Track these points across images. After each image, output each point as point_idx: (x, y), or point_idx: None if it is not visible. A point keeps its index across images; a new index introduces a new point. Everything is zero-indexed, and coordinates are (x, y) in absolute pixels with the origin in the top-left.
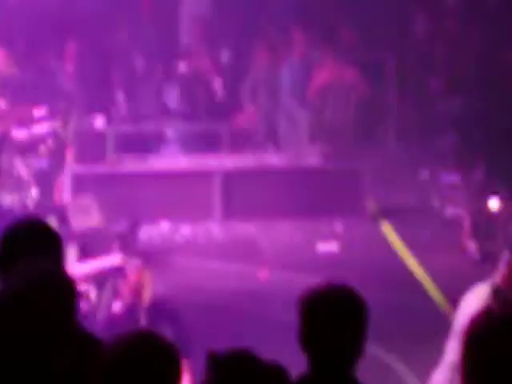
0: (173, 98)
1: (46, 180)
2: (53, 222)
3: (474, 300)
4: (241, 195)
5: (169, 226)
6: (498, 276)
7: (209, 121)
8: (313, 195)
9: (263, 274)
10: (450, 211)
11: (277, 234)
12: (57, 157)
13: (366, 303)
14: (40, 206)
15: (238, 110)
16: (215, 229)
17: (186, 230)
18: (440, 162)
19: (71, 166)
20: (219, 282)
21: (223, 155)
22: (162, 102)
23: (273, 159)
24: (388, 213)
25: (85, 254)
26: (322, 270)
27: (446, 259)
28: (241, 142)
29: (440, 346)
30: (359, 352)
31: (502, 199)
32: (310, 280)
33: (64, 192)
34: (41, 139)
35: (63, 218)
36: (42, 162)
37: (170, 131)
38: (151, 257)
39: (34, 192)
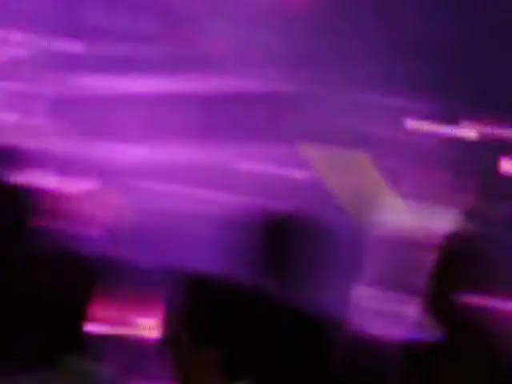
0: None
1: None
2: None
3: None
4: (219, 120)
5: (142, 148)
6: None
7: None
8: (257, 119)
9: (234, 200)
10: (422, 138)
11: (250, 160)
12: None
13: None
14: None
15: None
16: (180, 151)
17: (146, 151)
18: (416, 90)
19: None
20: (181, 205)
21: (206, 79)
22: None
23: (247, 84)
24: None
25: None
26: (291, 196)
27: (414, 188)
28: (224, 67)
29: None
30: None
31: (477, 126)
32: (276, 204)
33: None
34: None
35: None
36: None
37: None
38: (113, 178)
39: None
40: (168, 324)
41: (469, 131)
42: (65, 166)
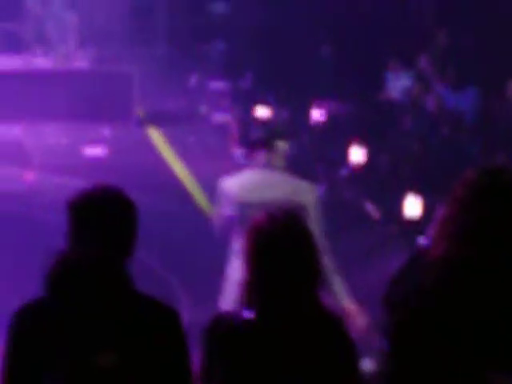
0: None
1: None
2: None
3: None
4: (7, 97)
5: None
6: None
7: None
8: (80, 99)
9: (29, 177)
10: (218, 118)
11: (44, 137)
12: None
13: (135, 204)
14: None
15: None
16: None
17: None
18: (209, 68)
19: None
20: None
21: None
22: None
23: (41, 62)
24: (156, 118)
25: None
26: (89, 174)
27: (212, 165)
28: (9, 43)
29: (203, 252)
30: (129, 251)
31: (271, 107)
32: (77, 183)
33: None
34: None
35: None
36: None
37: None
38: None
39: None
40: None
41: (261, 111)
42: None
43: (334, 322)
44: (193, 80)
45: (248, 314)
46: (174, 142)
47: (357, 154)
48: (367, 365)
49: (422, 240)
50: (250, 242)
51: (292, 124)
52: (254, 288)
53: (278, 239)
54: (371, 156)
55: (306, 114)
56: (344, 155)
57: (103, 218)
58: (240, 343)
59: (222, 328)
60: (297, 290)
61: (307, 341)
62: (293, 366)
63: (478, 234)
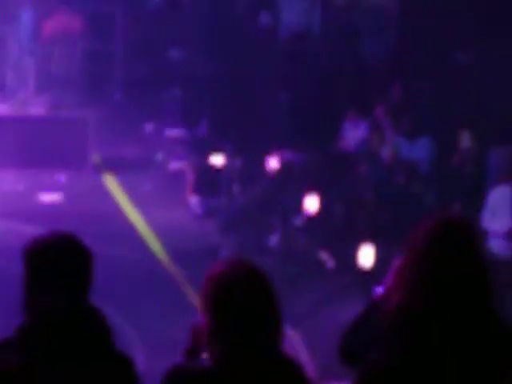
0: None
1: None
2: None
3: None
4: None
5: None
6: None
7: None
8: (37, 145)
9: None
10: (174, 165)
11: (0, 183)
12: None
13: (90, 251)
14: None
15: None
16: None
17: None
18: (165, 116)
19: None
20: None
21: None
22: None
23: None
24: (112, 165)
25: None
26: (45, 220)
27: (168, 213)
28: None
29: (159, 296)
30: (84, 298)
31: (227, 155)
32: (32, 229)
33: None
34: None
35: None
36: None
37: None
38: None
39: None
40: None
41: (216, 159)
42: None
43: (292, 368)
44: (149, 127)
45: (205, 362)
46: (129, 189)
47: (311, 203)
48: None
49: (378, 290)
50: (208, 290)
51: (247, 172)
52: (211, 335)
53: (235, 288)
54: (326, 205)
55: (261, 163)
56: (298, 204)
57: (58, 266)
58: None
59: (180, 377)
60: (253, 337)
61: None
62: None
63: (432, 281)
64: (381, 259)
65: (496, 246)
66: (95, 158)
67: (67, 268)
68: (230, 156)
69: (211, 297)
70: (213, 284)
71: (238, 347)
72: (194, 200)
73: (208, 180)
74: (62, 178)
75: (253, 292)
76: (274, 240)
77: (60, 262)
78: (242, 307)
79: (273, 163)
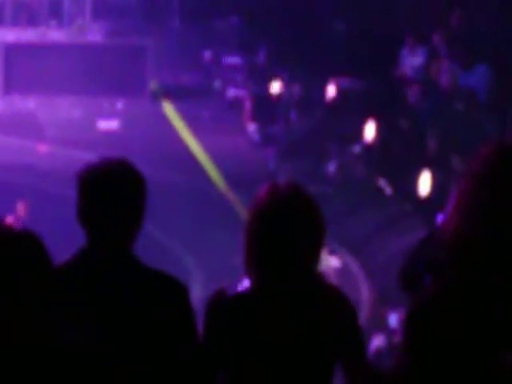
0: None
1: None
2: None
3: None
4: (22, 70)
5: None
6: None
7: None
8: (94, 72)
9: (42, 149)
10: (232, 93)
11: (57, 110)
12: None
13: (144, 178)
14: None
15: None
16: None
17: None
18: (222, 43)
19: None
20: None
21: (5, 28)
22: None
23: (55, 34)
24: (170, 92)
25: None
26: (102, 147)
27: (226, 140)
28: (24, 16)
29: (219, 226)
30: (138, 226)
31: (284, 83)
32: (90, 156)
33: None
34: None
35: None
36: None
37: None
38: None
39: None
40: None
41: (274, 86)
42: None
43: (332, 295)
44: (207, 54)
45: (247, 285)
46: (187, 116)
47: (369, 131)
48: (377, 341)
49: (439, 217)
50: (250, 213)
51: (304, 99)
52: (249, 257)
53: (277, 213)
54: (384, 133)
55: (320, 90)
56: (356, 131)
57: (113, 193)
58: (238, 314)
59: (220, 302)
60: (290, 263)
61: (304, 309)
62: (291, 334)
63: (492, 209)
64: (439, 187)
65: None
66: (153, 85)
67: (122, 194)
68: (287, 84)
69: (252, 221)
70: (254, 208)
71: (274, 272)
72: (251, 127)
73: (266, 107)
74: (119, 105)
75: (293, 218)
76: (331, 167)
77: (114, 189)
78: (280, 233)
79: (330, 90)
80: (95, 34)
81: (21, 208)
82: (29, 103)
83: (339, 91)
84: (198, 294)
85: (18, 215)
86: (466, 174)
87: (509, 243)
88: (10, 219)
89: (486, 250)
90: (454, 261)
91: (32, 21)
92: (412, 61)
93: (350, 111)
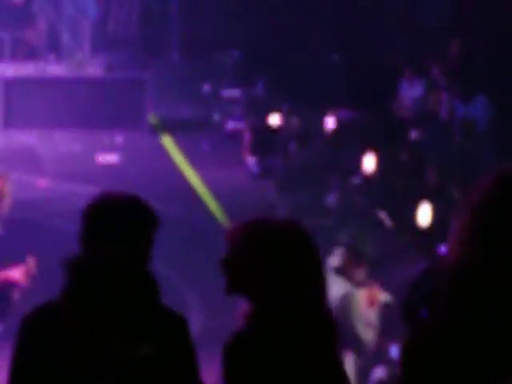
0: None
1: None
2: None
3: None
4: (22, 104)
5: None
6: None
7: None
8: (93, 106)
9: (43, 184)
10: (231, 125)
11: (57, 144)
12: None
13: (155, 213)
14: None
15: (29, 22)
16: None
17: None
18: (222, 76)
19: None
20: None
21: (5, 64)
22: None
23: (54, 69)
24: (169, 125)
25: None
26: (103, 181)
27: (225, 173)
28: (22, 50)
29: (217, 256)
30: (148, 259)
31: (283, 115)
32: (91, 190)
33: None
34: None
35: None
36: None
37: None
38: None
39: None
40: None
41: (273, 119)
42: None
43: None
44: (206, 88)
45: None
46: (187, 149)
47: (369, 162)
48: (378, 373)
49: (441, 249)
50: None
51: (303, 131)
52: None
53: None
54: (383, 165)
55: (318, 122)
56: (356, 163)
57: (125, 226)
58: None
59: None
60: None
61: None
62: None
63: (490, 235)
64: (438, 218)
65: None
66: (152, 118)
67: (133, 228)
68: (286, 116)
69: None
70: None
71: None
72: (251, 160)
73: (265, 140)
74: (119, 138)
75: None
76: (331, 199)
77: (131, 221)
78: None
79: (329, 122)
80: (94, 68)
81: (31, 263)
82: (28, 138)
83: (339, 123)
84: (197, 326)
85: (28, 270)
86: (465, 204)
87: (508, 270)
88: (18, 271)
89: (484, 277)
90: (453, 290)
91: (31, 55)
92: (411, 93)
93: (349, 143)
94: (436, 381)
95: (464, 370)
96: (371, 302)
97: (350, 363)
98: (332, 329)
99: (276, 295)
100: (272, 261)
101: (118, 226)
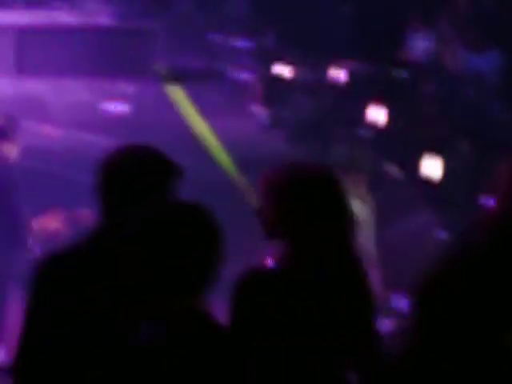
0: None
1: None
2: None
3: None
4: (34, 53)
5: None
6: None
7: None
8: (103, 55)
9: (52, 132)
10: (241, 76)
11: (67, 93)
12: None
13: (177, 164)
14: None
15: None
16: (7, 85)
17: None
18: (232, 27)
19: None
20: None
21: (17, 12)
22: None
23: (67, 17)
24: (179, 76)
25: None
26: (113, 130)
27: (235, 124)
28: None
29: (225, 206)
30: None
31: (293, 66)
32: (101, 140)
33: None
34: None
35: None
36: None
37: None
38: None
39: None
40: None
41: (283, 70)
42: None
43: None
44: (216, 38)
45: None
46: (196, 99)
47: (378, 115)
48: (386, 326)
49: (482, 200)
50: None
51: (313, 83)
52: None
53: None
54: (393, 117)
55: (328, 74)
56: (365, 115)
57: (140, 180)
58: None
59: (255, 281)
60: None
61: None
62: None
63: None
64: (448, 172)
65: None
66: (162, 68)
67: (155, 179)
68: (296, 67)
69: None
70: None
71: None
72: (260, 111)
73: (275, 91)
74: (128, 88)
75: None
76: (341, 149)
77: (143, 176)
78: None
79: (339, 74)
80: (105, 18)
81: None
82: (39, 86)
83: (348, 74)
84: None
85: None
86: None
87: None
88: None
89: None
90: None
91: (44, 4)
92: (420, 44)
93: (360, 94)
94: (453, 323)
95: (484, 311)
96: None
97: None
98: (360, 277)
99: (310, 240)
100: (305, 206)
101: (143, 178)
